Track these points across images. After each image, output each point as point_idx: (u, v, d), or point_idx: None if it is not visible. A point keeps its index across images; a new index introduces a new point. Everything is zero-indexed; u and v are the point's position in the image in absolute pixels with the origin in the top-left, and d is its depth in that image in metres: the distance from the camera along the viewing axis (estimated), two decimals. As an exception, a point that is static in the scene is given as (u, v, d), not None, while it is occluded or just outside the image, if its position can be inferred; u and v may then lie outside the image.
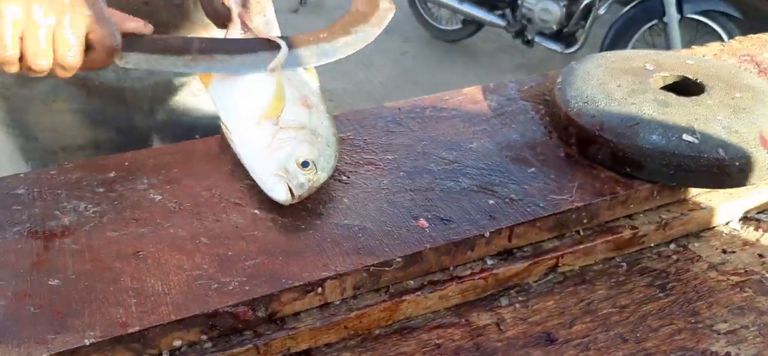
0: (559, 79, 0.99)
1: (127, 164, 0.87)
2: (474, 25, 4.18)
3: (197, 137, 1.16)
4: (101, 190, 0.83)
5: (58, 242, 0.76)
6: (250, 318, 0.71)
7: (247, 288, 0.71)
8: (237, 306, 0.70)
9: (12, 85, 1.06)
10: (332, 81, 3.95)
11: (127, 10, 0.84)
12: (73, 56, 0.74)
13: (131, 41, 0.82)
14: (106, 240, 0.76)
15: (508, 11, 3.90)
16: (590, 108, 0.92)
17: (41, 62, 0.73)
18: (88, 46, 0.76)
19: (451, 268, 0.79)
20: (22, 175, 0.85)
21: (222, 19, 0.93)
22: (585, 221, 0.85)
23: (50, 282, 0.71)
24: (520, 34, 3.83)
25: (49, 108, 1.08)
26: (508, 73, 4.08)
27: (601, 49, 3.42)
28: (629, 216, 0.88)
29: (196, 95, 1.14)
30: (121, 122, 1.11)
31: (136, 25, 0.82)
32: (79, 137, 1.11)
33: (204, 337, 0.69)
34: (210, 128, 1.13)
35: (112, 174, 0.85)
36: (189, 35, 1.06)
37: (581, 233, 0.85)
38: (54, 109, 1.08)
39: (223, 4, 0.93)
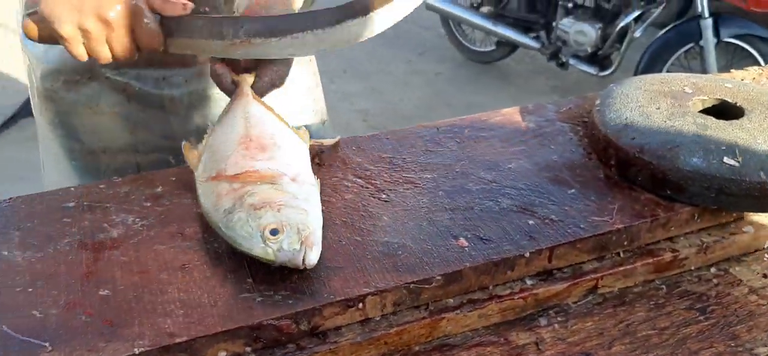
0: (598, 102, 1.00)
1: (173, 179, 0.89)
2: (508, 47, 4.18)
3: None
4: (148, 204, 0.86)
5: (107, 253, 0.78)
6: (292, 332, 0.72)
7: (290, 301, 0.72)
8: (280, 319, 0.71)
9: (59, 89, 1.12)
10: (365, 101, 3.99)
11: None
12: (127, 55, 0.86)
13: (172, 25, 0.86)
14: (153, 253, 0.78)
15: (542, 33, 3.91)
16: (630, 130, 0.92)
17: (106, 58, 0.87)
18: (138, 47, 0.86)
19: (491, 287, 0.80)
20: (72, 189, 0.88)
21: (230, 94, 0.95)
22: (625, 243, 0.85)
23: (100, 292, 0.73)
24: (554, 56, 3.83)
25: (92, 111, 1.13)
26: (542, 95, 4.07)
27: (636, 72, 3.39)
28: (670, 239, 0.88)
29: None
30: (159, 127, 1.15)
31: (174, 7, 0.86)
32: (119, 140, 1.16)
33: (248, 349, 0.71)
34: None
35: (159, 189, 0.88)
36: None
37: (621, 255, 0.85)
38: (96, 112, 1.13)
39: (233, 81, 0.93)
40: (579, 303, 0.83)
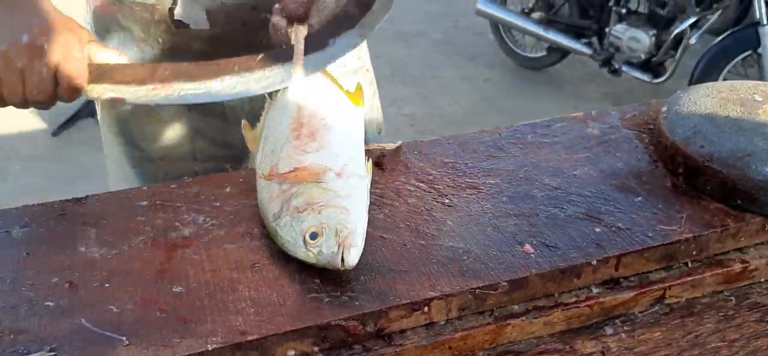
0: (664, 109, 0.98)
1: (241, 180, 0.91)
2: (559, 53, 4.14)
3: None
4: (217, 204, 0.88)
5: (179, 252, 0.80)
6: (359, 333, 0.73)
7: (356, 303, 0.73)
8: (348, 320, 0.72)
9: (129, 105, 1.14)
10: (413, 106, 4.00)
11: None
12: (39, 95, 0.86)
13: (101, 72, 0.87)
14: (223, 252, 0.80)
15: (594, 39, 3.86)
16: (699, 138, 0.90)
17: (13, 99, 0.86)
18: (58, 82, 0.86)
19: (556, 294, 0.79)
20: (145, 188, 0.90)
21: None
22: (694, 253, 0.83)
23: (174, 290, 0.75)
24: (606, 62, 3.78)
25: (153, 119, 1.16)
26: (594, 102, 4.02)
27: (691, 80, 3.32)
28: (739, 249, 0.86)
29: None
30: (218, 136, 1.17)
31: (109, 55, 0.88)
32: (179, 148, 1.18)
33: (316, 349, 0.72)
34: None
35: (228, 190, 0.90)
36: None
37: (689, 265, 0.84)
38: (156, 120, 1.16)
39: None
40: (645, 313, 0.82)
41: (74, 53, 0.86)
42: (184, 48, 1.06)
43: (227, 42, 1.06)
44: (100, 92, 0.88)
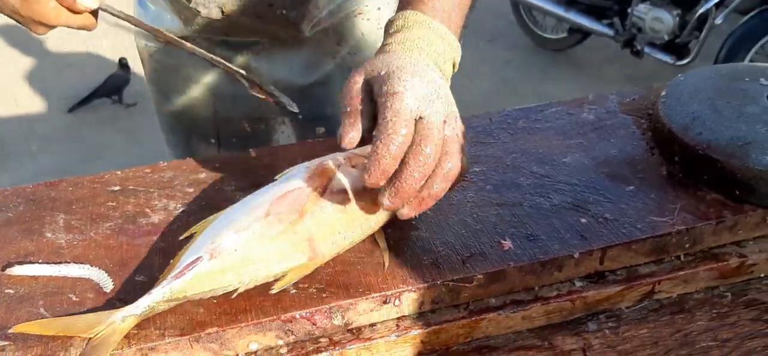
0: (663, 93, 0.93)
1: (217, 165, 0.89)
2: (580, 34, 4.05)
3: (319, 128, 1.18)
4: (191, 190, 0.85)
5: (146, 239, 0.78)
6: (326, 326, 0.70)
7: (324, 295, 0.70)
8: (313, 313, 0.69)
9: (162, 59, 1.19)
10: (432, 88, 3.93)
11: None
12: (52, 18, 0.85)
13: None
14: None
15: (617, 20, 3.76)
16: (697, 125, 0.85)
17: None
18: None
19: (536, 288, 0.75)
20: (119, 173, 0.88)
21: None
22: (687, 246, 0.79)
23: (136, 278, 0.73)
24: (629, 43, 3.68)
25: (179, 76, 1.19)
26: (615, 84, 3.92)
27: (716, 62, 3.22)
28: (737, 243, 0.81)
29: (326, 84, 1.18)
30: (250, 109, 1.18)
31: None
32: (200, 108, 1.21)
33: (280, 342, 0.69)
34: (333, 120, 1.18)
35: (202, 175, 0.87)
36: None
37: (682, 258, 0.79)
38: (182, 77, 1.19)
39: None
40: (632, 309, 0.77)
41: None
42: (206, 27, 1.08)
43: (241, 30, 1.10)
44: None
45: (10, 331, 0.65)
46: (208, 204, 0.83)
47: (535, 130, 0.95)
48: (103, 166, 3.26)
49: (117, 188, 0.86)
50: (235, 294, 0.69)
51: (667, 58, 3.58)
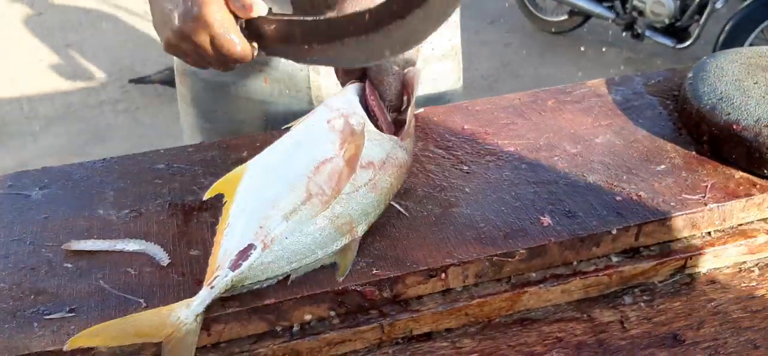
0: (690, 75, 0.96)
1: (258, 144, 0.91)
2: (580, 17, 4.07)
3: None
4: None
5: (196, 215, 0.80)
6: (375, 298, 0.73)
7: (374, 270, 0.73)
8: (364, 286, 0.72)
9: (209, 77, 1.12)
10: (433, 71, 3.95)
11: None
12: (223, 65, 0.80)
13: (257, 29, 0.78)
14: (240, 216, 0.80)
15: (617, 3, 3.78)
16: (725, 105, 0.88)
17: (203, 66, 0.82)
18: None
19: (575, 263, 0.78)
20: (162, 151, 0.90)
21: None
22: (717, 222, 0.82)
23: (191, 253, 0.75)
24: (629, 27, 3.71)
25: (224, 93, 1.12)
26: (615, 67, 3.95)
27: (716, 46, 3.25)
28: (765, 219, 0.84)
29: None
30: (290, 111, 1.12)
31: (247, 11, 0.77)
32: (249, 123, 1.14)
33: (332, 313, 0.72)
34: None
35: (244, 154, 0.89)
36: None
37: (712, 234, 0.82)
38: (228, 96, 1.12)
39: None
40: (666, 283, 0.80)
41: (218, 30, 0.76)
42: None
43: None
44: (268, 51, 0.80)
45: (65, 348, 0.63)
46: (253, 182, 0.85)
47: (564, 110, 0.98)
48: (108, 148, 3.27)
49: (163, 166, 0.88)
50: (289, 282, 0.71)
51: (668, 42, 3.62)
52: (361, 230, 0.75)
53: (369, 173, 0.77)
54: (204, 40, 0.77)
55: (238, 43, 0.77)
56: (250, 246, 0.69)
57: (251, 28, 0.78)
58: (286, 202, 0.72)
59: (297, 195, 0.73)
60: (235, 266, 0.68)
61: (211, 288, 0.66)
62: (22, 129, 3.48)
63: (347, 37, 0.72)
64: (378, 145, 0.79)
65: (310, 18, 0.75)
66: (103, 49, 4.13)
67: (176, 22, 0.77)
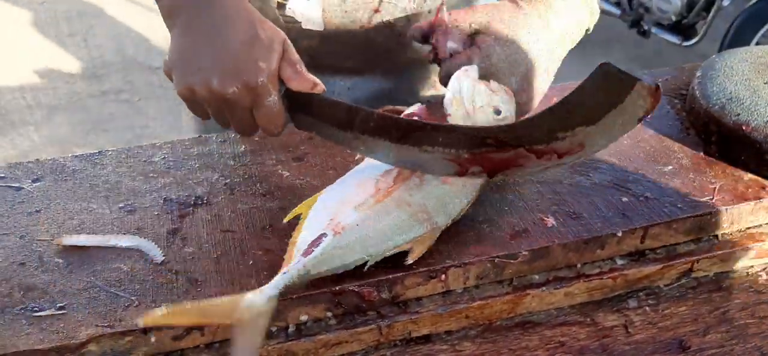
0: (698, 74, 0.94)
1: (256, 139, 0.89)
2: (586, 14, 4.03)
3: None
4: (232, 163, 0.85)
5: (191, 211, 0.79)
6: (374, 299, 0.71)
7: (372, 269, 0.71)
8: (362, 286, 0.70)
9: None
10: (437, 65, 3.93)
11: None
12: (248, 132, 0.75)
13: (300, 103, 0.75)
14: (236, 213, 0.78)
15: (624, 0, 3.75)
16: (734, 105, 0.86)
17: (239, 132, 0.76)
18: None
19: (579, 265, 0.76)
20: (158, 144, 0.88)
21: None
22: (725, 225, 0.80)
23: (185, 249, 0.73)
24: (635, 23, 3.67)
25: None
26: (621, 65, 3.86)
27: (723, 44, 3.22)
28: (774, 223, 0.82)
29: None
30: None
31: (306, 85, 0.74)
32: None
33: (329, 314, 0.70)
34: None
35: (242, 148, 0.88)
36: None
37: (720, 238, 0.80)
38: None
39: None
40: (671, 286, 0.79)
41: (266, 102, 0.72)
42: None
43: (338, 43, 0.98)
44: (301, 124, 0.77)
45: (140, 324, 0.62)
46: (250, 177, 0.83)
47: (569, 108, 0.96)
48: (110, 138, 3.26)
49: (158, 159, 0.86)
50: (366, 268, 0.70)
51: (674, 39, 3.58)
52: (440, 221, 0.74)
53: None
54: (244, 105, 0.71)
55: (283, 122, 0.75)
56: (322, 235, 0.69)
57: (292, 99, 0.75)
58: (356, 197, 0.73)
59: (365, 190, 0.74)
60: (307, 253, 0.68)
61: (285, 273, 0.66)
62: (25, 118, 3.46)
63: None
64: None
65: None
66: (106, 38, 4.11)
67: (216, 79, 0.70)
